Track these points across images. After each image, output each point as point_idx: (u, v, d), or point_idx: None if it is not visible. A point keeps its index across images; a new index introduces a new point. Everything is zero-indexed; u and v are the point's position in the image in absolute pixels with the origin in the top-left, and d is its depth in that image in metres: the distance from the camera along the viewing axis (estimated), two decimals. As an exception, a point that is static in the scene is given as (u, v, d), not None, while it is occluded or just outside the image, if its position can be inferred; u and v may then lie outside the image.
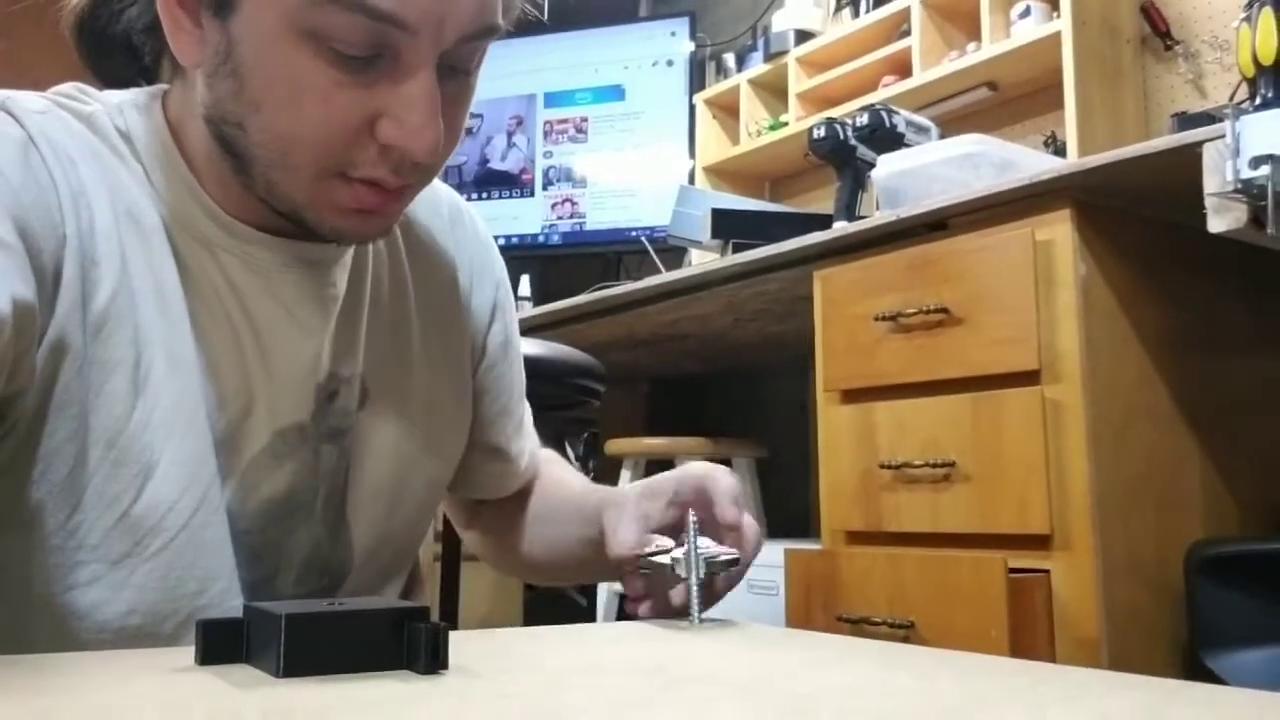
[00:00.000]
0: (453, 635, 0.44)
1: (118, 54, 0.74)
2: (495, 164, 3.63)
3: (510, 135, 3.61)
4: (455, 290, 0.84)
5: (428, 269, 0.82)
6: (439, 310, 0.83)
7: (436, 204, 0.85)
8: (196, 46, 0.63)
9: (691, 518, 0.69)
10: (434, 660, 0.43)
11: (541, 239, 3.55)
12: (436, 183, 0.81)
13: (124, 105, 0.70)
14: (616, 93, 3.52)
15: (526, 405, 0.95)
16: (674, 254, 3.04)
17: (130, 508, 0.63)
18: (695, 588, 0.66)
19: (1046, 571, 1.54)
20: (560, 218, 3.54)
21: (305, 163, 0.62)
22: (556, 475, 0.99)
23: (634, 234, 3.30)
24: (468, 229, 0.87)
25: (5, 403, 0.59)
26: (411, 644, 0.44)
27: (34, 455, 0.61)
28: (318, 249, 0.71)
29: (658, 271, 2.58)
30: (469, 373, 0.86)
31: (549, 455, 1.01)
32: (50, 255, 0.61)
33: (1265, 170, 1.33)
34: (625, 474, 2.65)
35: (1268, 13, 1.58)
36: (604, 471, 2.94)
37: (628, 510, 0.76)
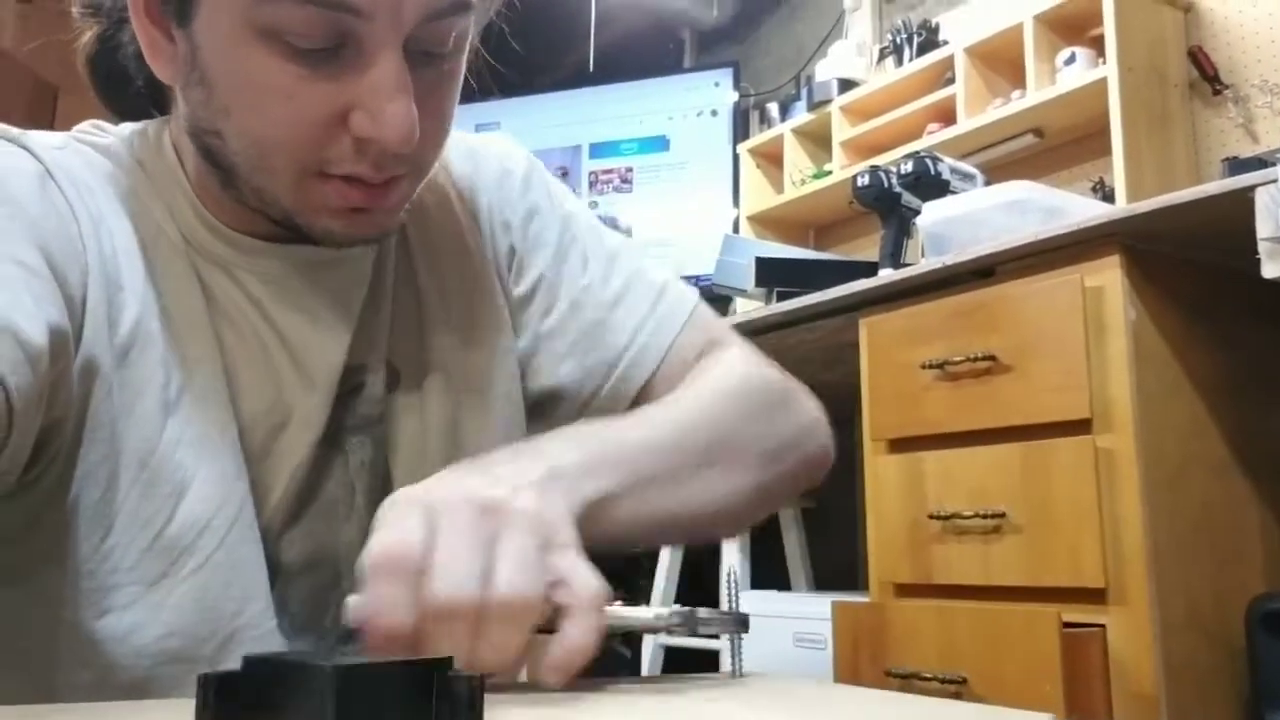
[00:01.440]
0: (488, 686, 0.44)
1: (124, 86, 0.74)
2: (541, 214, 3.65)
3: (556, 186, 3.64)
4: (459, 227, 0.79)
5: (425, 218, 0.78)
6: (449, 256, 0.78)
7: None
8: (171, 62, 0.63)
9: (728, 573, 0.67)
10: (470, 713, 0.42)
11: (587, 288, 3.56)
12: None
13: (135, 135, 0.71)
14: (661, 143, 3.54)
15: (621, 300, 0.79)
16: (719, 302, 3.03)
17: (165, 528, 0.62)
18: (736, 640, 0.65)
19: (1102, 626, 1.50)
20: (605, 267, 3.55)
21: (283, 165, 0.62)
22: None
23: (679, 283, 3.30)
24: (463, 165, 0.81)
25: (46, 431, 0.59)
26: (449, 698, 0.43)
27: (69, 480, 0.61)
28: (325, 250, 0.69)
29: (702, 320, 2.57)
30: (500, 299, 0.79)
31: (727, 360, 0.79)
32: (75, 282, 0.61)
33: (1320, 214, 1.31)
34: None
35: (1319, 56, 1.57)
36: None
37: None
